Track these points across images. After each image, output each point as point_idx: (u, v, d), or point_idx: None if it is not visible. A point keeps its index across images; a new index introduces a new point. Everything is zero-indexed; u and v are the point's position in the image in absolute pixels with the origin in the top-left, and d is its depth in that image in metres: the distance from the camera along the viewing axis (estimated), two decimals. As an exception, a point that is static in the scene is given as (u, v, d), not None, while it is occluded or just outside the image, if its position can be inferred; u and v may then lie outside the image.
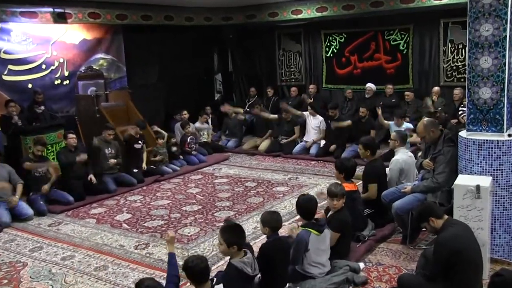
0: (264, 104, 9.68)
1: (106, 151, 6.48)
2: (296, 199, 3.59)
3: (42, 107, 7.05)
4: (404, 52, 8.65)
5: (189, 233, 4.81)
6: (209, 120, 8.90)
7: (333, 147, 7.65)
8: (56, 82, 7.89)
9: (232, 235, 3.00)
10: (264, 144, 8.46)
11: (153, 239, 4.71)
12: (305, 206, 3.52)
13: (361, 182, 4.72)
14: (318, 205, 3.69)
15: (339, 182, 4.10)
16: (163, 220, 5.25)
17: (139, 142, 7.05)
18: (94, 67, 8.29)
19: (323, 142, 7.91)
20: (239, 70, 10.91)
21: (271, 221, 3.35)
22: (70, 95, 7.98)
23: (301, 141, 8.29)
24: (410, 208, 4.16)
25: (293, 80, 10.22)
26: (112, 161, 6.41)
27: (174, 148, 7.66)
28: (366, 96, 8.78)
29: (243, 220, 5.08)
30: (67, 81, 8.00)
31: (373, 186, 4.52)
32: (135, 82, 8.77)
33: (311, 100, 9.19)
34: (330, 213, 3.99)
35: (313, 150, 7.90)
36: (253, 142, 8.70)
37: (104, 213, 5.59)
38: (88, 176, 6.17)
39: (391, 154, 5.19)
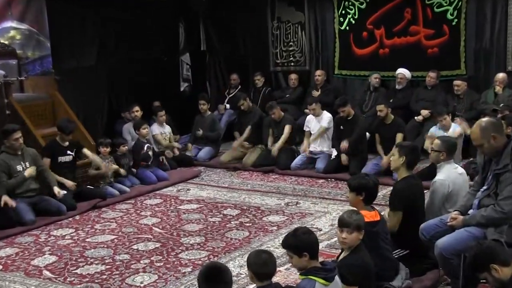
0: (251, 97, 9.70)
1: (17, 166, 6.37)
2: (286, 240, 3.54)
3: None
4: (454, 24, 8.70)
5: (142, 283, 4.77)
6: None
7: (345, 158, 7.68)
8: None
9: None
10: (252, 156, 8.47)
11: (89, 292, 4.64)
12: (307, 239, 3.48)
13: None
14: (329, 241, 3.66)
15: (356, 209, 4.09)
16: (104, 264, 5.19)
17: (68, 152, 6.97)
18: (2, 41, 8.21)
19: (334, 152, 7.95)
20: (215, 50, 10.94)
21: (259, 265, 3.31)
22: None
23: (303, 151, 8.29)
24: (462, 249, 4.13)
25: (292, 64, 10.27)
26: (30, 170, 6.35)
27: (124, 160, 7.60)
28: (397, 87, 8.85)
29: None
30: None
31: (397, 214, 4.53)
32: (64, 65, 8.70)
33: (318, 93, 9.23)
34: (342, 254, 3.96)
35: (320, 164, 7.93)
36: (236, 152, 8.71)
37: (15, 255, 5.49)
38: (2, 198, 6.10)
39: (432, 170, 5.20)
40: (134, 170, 7.72)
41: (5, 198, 6.11)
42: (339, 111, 7.75)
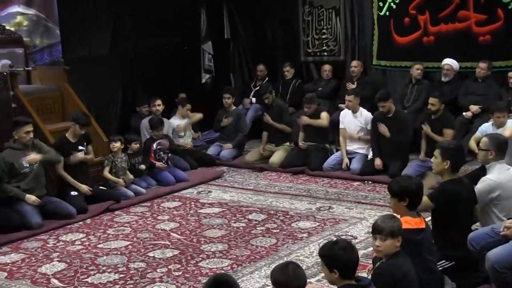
0: (280, 90, 9.69)
1: (23, 162, 6.46)
2: (323, 248, 3.52)
3: None
4: (510, 7, 8.57)
5: (158, 294, 4.79)
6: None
7: (379, 162, 7.68)
8: None
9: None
10: (279, 154, 8.45)
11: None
12: (341, 256, 3.46)
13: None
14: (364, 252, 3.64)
15: (397, 215, 4.06)
16: (117, 272, 5.23)
17: (79, 147, 7.04)
18: (8, 27, 8.32)
19: (371, 152, 7.92)
20: (240, 38, 10.95)
21: (288, 281, 3.27)
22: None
23: (336, 150, 8.28)
24: (518, 262, 4.10)
25: (325, 53, 10.24)
26: (34, 157, 6.41)
27: (137, 159, 7.65)
28: (443, 79, 8.75)
29: (244, 274, 5.05)
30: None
31: (428, 203, 4.52)
32: (74, 54, 8.81)
33: (354, 86, 9.18)
34: (377, 263, 3.94)
35: (355, 165, 7.92)
36: (261, 151, 8.70)
37: (21, 261, 5.56)
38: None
39: (483, 173, 5.13)
40: (143, 166, 7.72)
41: (29, 196, 6.29)
42: (380, 105, 7.70)
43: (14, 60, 7.87)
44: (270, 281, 3.37)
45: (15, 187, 6.36)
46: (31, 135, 6.49)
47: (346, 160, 7.99)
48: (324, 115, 8.27)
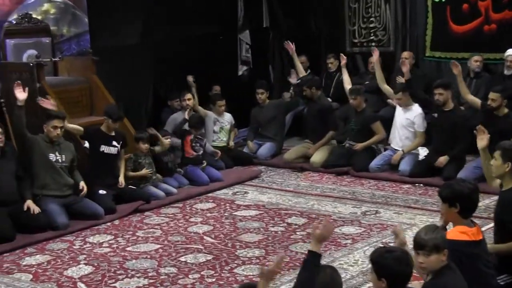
0: (323, 84, 9.67)
1: (49, 154, 6.59)
2: (375, 253, 3.52)
3: None
4: None
5: (190, 301, 4.85)
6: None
7: (442, 159, 7.54)
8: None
9: None
10: (321, 154, 8.44)
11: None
12: (393, 267, 3.44)
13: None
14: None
15: (444, 224, 4.02)
16: (147, 277, 5.28)
17: (114, 143, 7.15)
18: (34, 16, 8.46)
19: (423, 151, 7.83)
20: (281, 27, 10.94)
21: (325, 284, 3.33)
22: (-10, 63, 8.17)
23: (384, 149, 8.22)
24: None
25: (373, 44, 10.15)
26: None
27: (167, 157, 7.73)
28: (506, 72, 8.61)
29: (282, 282, 5.06)
30: (-14, 39, 8.20)
31: None
32: (103, 44, 8.92)
33: (406, 79, 9.09)
34: (426, 278, 3.88)
35: (405, 165, 7.86)
36: (302, 149, 8.71)
37: (46, 263, 5.66)
38: (25, 202, 6.32)
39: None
40: (180, 170, 7.85)
41: (29, 203, 6.33)
42: (436, 92, 7.60)
43: (40, 50, 8.03)
44: None
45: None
46: (59, 131, 6.58)
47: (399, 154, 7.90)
48: (377, 126, 8.18)
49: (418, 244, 3.70)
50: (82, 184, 6.71)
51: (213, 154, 8.39)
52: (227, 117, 8.92)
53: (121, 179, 7.16)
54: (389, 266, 3.38)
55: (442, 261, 3.69)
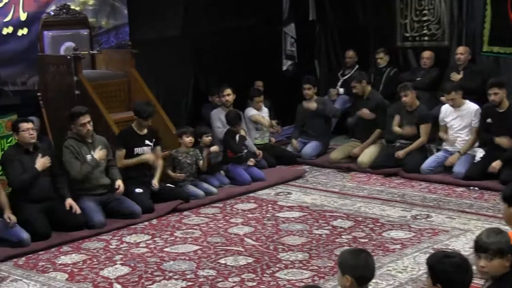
0: (372, 80, 9.60)
1: (87, 155, 6.67)
2: (432, 257, 3.48)
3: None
4: None
5: (229, 305, 4.88)
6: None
7: (495, 164, 7.45)
8: (4, 31, 8.23)
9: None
10: (369, 153, 8.42)
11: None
12: (451, 274, 3.40)
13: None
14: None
15: (498, 228, 3.95)
16: (185, 280, 5.32)
17: (146, 142, 7.21)
18: (72, 7, 8.58)
19: (479, 153, 7.77)
20: (328, 20, 10.92)
21: (356, 266, 3.39)
22: (29, 55, 8.31)
23: (437, 150, 8.13)
24: None
25: (426, 38, 10.10)
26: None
27: (209, 153, 7.74)
28: None
29: (327, 287, 5.05)
30: (24, 30, 8.35)
31: None
32: (142, 36, 9.01)
33: (460, 76, 8.99)
34: (485, 284, 3.82)
35: (459, 167, 7.78)
36: (349, 149, 8.69)
37: (82, 263, 5.74)
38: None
39: None
40: (222, 172, 7.89)
41: (70, 202, 6.44)
42: (491, 92, 7.49)
43: (78, 42, 8.16)
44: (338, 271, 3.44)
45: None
46: (89, 126, 6.64)
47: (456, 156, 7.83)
48: (425, 129, 8.08)
49: (480, 246, 3.64)
50: (118, 182, 6.77)
51: (254, 153, 8.41)
52: (265, 112, 8.92)
53: (155, 181, 7.14)
54: (446, 272, 3.34)
55: (506, 267, 3.62)
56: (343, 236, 6.14)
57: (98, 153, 6.64)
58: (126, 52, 8.48)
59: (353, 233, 6.19)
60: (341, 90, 10.07)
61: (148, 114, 7.17)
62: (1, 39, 8.17)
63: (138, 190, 6.97)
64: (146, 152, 7.18)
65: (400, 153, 8.05)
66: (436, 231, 6.20)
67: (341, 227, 6.39)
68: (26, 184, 6.27)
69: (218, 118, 8.52)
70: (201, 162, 7.50)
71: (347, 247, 3.33)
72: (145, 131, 7.20)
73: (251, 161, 8.05)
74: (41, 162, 6.32)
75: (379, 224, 6.44)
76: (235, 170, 7.89)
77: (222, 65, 9.64)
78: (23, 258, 5.85)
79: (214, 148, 7.71)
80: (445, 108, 8.09)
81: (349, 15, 10.68)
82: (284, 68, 10.81)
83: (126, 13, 9.02)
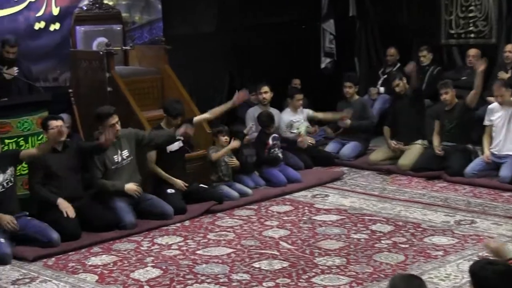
0: (415, 77, 9.52)
1: (114, 157, 6.71)
2: (476, 264, 3.43)
3: (16, 69, 7.49)
4: None
5: (263, 311, 4.87)
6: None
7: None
8: (36, 26, 8.36)
9: None
10: (410, 155, 8.36)
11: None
12: (494, 281, 3.35)
13: None
14: None
15: None
16: (217, 284, 5.33)
17: (178, 138, 7.20)
18: (105, 2, 8.69)
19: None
20: (369, 16, 10.91)
21: None
22: (60, 51, 8.43)
23: (482, 153, 8.09)
24: None
25: (472, 35, 10.07)
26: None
27: (248, 150, 7.80)
28: None
29: (366, 295, 5.04)
30: (57, 25, 8.46)
31: None
32: (176, 32, 9.05)
33: (508, 75, 8.88)
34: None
35: (506, 171, 7.70)
36: (389, 150, 8.65)
37: (112, 264, 5.79)
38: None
39: None
40: (257, 173, 7.89)
41: (129, 186, 6.59)
42: None
43: (111, 38, 8.22)
44: None
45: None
46: (118, 126, 6.65)
47: (488, 152, 7.81)
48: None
49: None
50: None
51: (295, 140, 8.38)
52: (304, 114, 8.89)
53: (179, 182, 7.12)
54: (490, 279, 3.28)
55: None
56: (382, 241, 6.10)
57: (131, 188, 6.66)
58: (160, 48, 8.52)
59: (393, 238, 6.15)
60: (382, 89, 10.02)
61: (178, 112, 7.20)
62: (33, 34, 8.29)
63: (170, 191, 7.01)
64: (176, 147, 7.16)
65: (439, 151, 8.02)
66: (481, 237, 6.11)
67: (380, 232, 6.35)
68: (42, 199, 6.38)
69: (253, 117, 8.51)
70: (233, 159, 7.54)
71: (398, 274, 3.26)
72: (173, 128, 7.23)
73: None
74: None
75: (420, 229, 6.38)
76: (270, 171, 7.89)
77: (258, 62, 9.66)
78: (53, 259, 5.91)
79: (234, 144, 7.59)
80: (492, 107, 8.00)
81: (391, 10, 10.65)
82: (323, 65, 10.80)
83: (160, 8, 9.08)
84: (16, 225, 5.98)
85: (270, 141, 8.02)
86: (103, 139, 6.29)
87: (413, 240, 6.11)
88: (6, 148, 6.52)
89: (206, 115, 7.54)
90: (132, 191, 6.63)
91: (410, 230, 6.36)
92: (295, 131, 8.69)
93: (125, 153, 6.77)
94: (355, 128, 8.87)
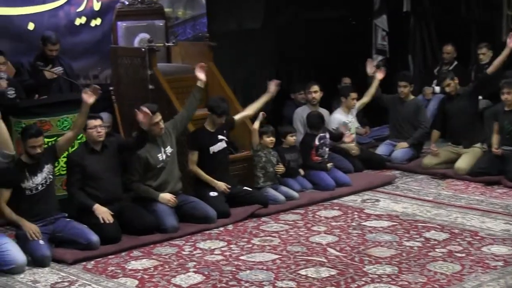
0: (473, 77, 9.45)
1: (158, 155, 6.76)
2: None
3: (61, 69, 7.61)
4: None
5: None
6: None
7: None
8: (77, 22, 8.48)
9: None
10: (467, 159, 8.29)
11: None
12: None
13: None
14: None
15: None
16: (262, 291, 5.37)
17: (219, 137, 7.26)
18: (148, -3, 8.77)
19: None
20: (424, 11, 10.84)
21: None
22: (101, 47, 8.53)
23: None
24: None
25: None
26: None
27: (292, 155, 7.80)
28: None
29: (418, 306, 4.99)
30: (98, 21, 8.57)
31: None
32: (221, 28, 9.07)
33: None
34: None
35: None
36: (445, 154, 8.59)
37: (153, 269, 5.83)
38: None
39: None
40: (301, 171, 7.89)
41: (163, 195, 6.63)
42: None
43: (153, 34, 8.30)
44: None
45: (146, 185, 6.74)
46: (162, 125, 6.73)
47: None
48: None
49: None
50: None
51: (342, 133, 8.40)
52: (355, 112, 8.89)
53: (222, 184, 7.14)
54: None
55: None
56: (437, 250, 6.03)
57: (165, 197, 6.71)
58: (204, 45, 8.55)
59: (448, 247, 6.08)
60: (437, 89, 9.91)
61: (223, 110, 7.21)
62: (73, 30, 8.40)
63: (213, 194, 7.04)
64: (221, 148, 7.22)
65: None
66: (543, 247, 6.03)
67: (434, 240, 6.28)
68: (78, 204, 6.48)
69: (301, 117, 8.52)
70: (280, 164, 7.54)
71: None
72: (216, 127, 7.26)
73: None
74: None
75: (478, 237, 6.30)
76: (318, 174, 7.87)
77: (306, 60, 9.65)
78: (92, 262, 5.99)
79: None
80: None
81: (448, 6, 10.57)
82: (374, 63, 10.72)
83: (204, 3, 9.12)
84: (40, 234, 6.00)
85: (317, 141, 7.99)
86: (140, 117, 6.32)
87: (470, 249, 6.03)
88: (45, 147, 6.61)
89: (246, 112, 7.60)
90: (166, 201, 6.67)
91: (466, 239, 6.28)
92: (347, 132, 8.67)
93: (168, 149, 6.85)
94: (411, 144, 8.87)
